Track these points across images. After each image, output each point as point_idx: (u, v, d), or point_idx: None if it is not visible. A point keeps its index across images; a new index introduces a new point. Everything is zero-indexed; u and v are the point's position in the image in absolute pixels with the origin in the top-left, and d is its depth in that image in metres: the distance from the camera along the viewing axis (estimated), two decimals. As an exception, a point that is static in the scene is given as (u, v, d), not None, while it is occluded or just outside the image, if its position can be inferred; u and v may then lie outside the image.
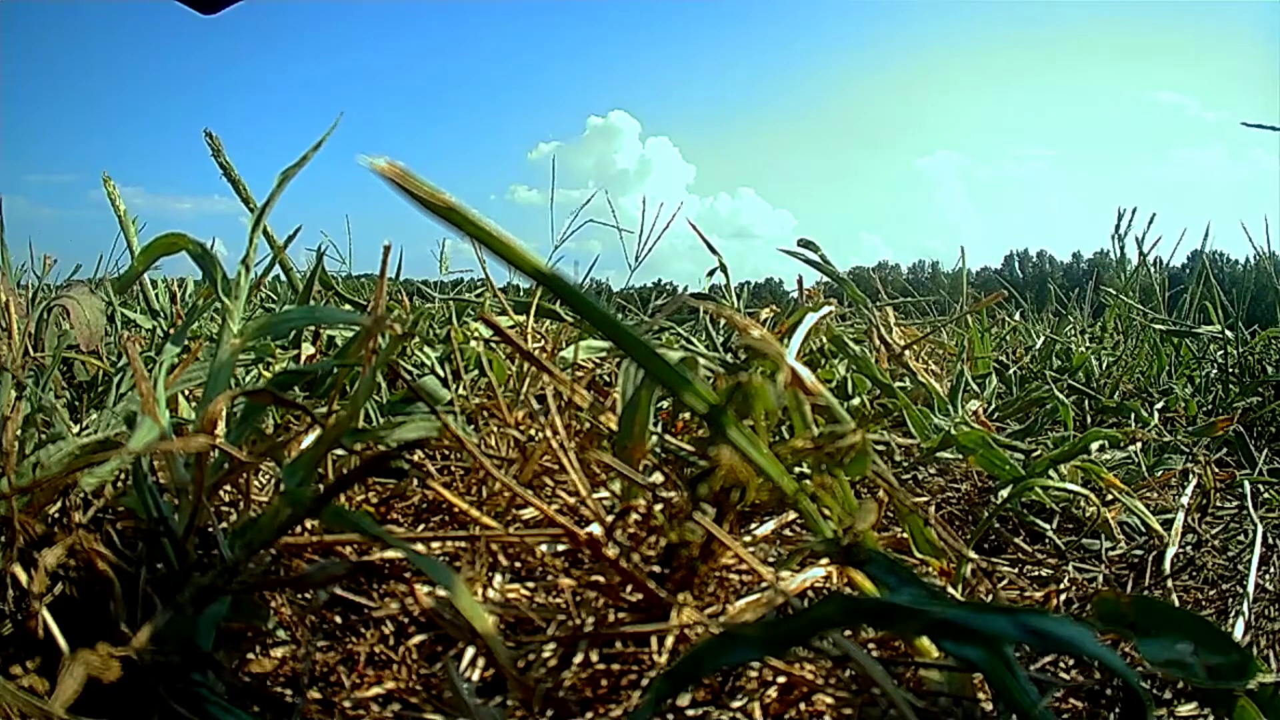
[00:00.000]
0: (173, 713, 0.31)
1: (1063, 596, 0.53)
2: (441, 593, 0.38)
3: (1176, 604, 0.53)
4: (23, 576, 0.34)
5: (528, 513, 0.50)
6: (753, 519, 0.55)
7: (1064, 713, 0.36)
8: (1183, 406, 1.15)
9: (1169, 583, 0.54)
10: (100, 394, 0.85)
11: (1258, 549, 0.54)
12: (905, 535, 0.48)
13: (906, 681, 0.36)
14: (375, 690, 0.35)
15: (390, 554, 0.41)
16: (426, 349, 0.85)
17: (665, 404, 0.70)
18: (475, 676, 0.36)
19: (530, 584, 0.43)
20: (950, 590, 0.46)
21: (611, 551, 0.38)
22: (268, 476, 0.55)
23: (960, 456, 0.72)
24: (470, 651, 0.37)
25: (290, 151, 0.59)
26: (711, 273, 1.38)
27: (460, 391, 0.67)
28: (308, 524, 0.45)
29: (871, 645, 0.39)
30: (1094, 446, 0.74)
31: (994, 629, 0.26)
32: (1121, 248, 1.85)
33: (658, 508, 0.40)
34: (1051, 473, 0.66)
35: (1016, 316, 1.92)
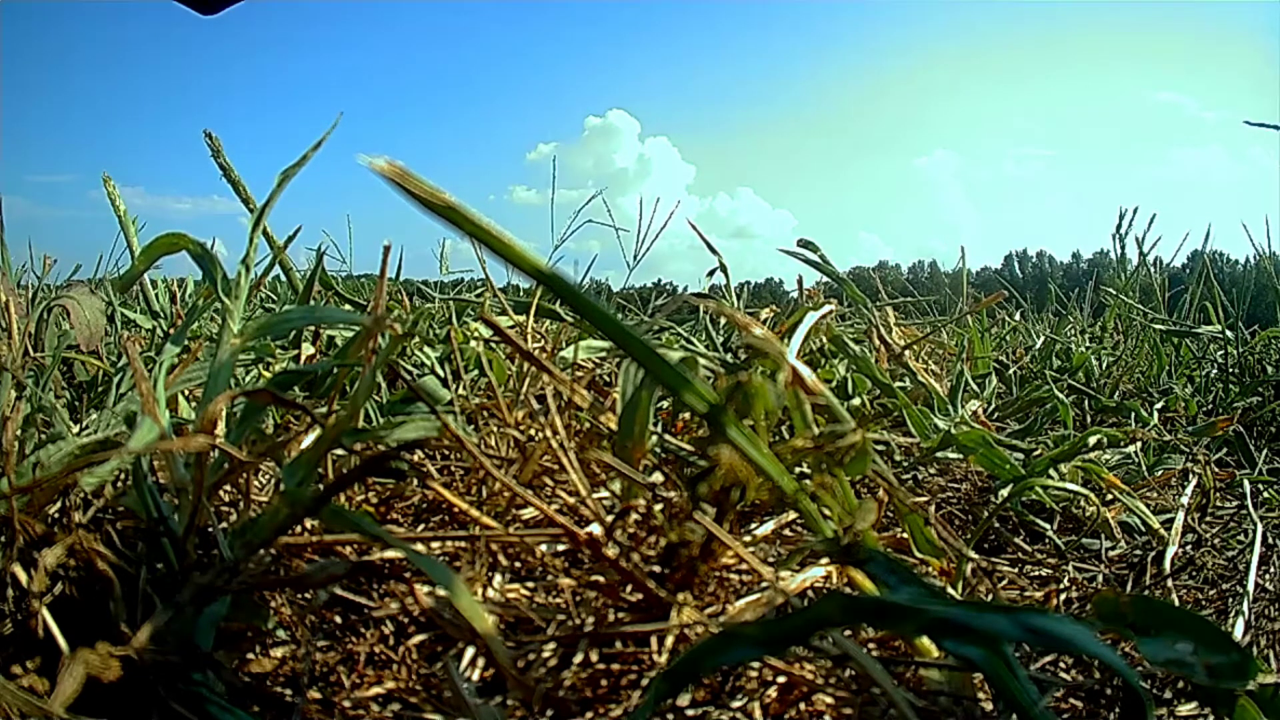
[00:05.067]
0: (173, 713, 0.31)
1: (1063, 596, 0.53)
2: (441, 593, 0.38)
3: (1176, 604, 0.53)
4: (23, 576, 0.34)
5: (528, 513, 0.50)
6: (753, 519, 0.55)
7: (1064, 712, 0.36)
8: (1183, 406, 1.15)
9: (1169, 582, 0.54)
10: (100, 394, 0.85)
11: (1257, 549, 0.54)
12: (905, 535, 0.48)
13: (906, 681, 0.36)
14: (375, 690, 0.35)
15: (390, 554, 0.41)
16: (426, 349, 0.85)
17: (665, 404, 0.70)
18: (475, 676, 0.36)
19: (530, 584, 0.43)
20: (950, 590, 0.46)
21: (611, 551, 0.38)
22: (268, 476, 0.55)
23: (960, 456, 0.72)
24: (470, 651, 0.37)
25: (290, 151, 0.59)
26: (711, 273, 1.38)
27: (460, 391, 0.67)
28: (308, 524, 0.45)
29: (871, 645, 0.39)
30: (1093, 445, 0.74)
31: (994, 628, 0.26)
32: (1122, 248, 1.85)
33: (658, 508, 0.40)
34: (1051, 472, 0.66)
35: (1016, 316, 1.92)
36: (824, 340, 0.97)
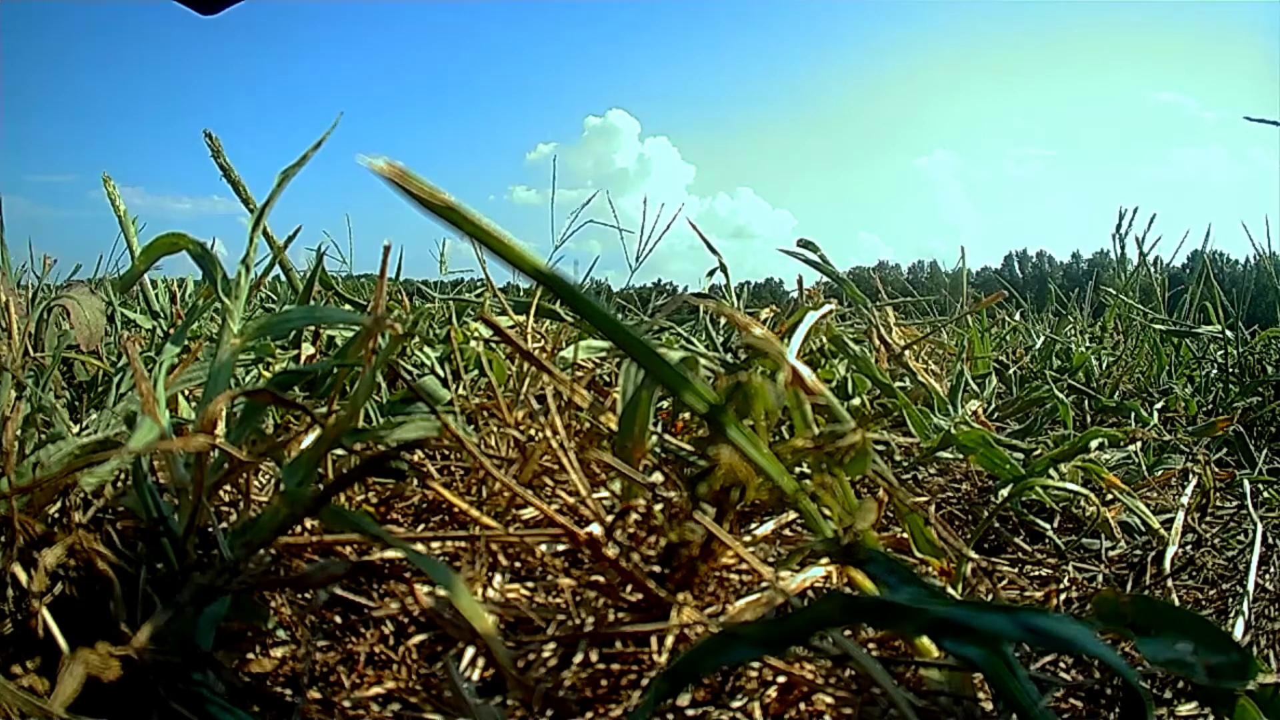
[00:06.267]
0: (173, 713, 0.31)
1: (1063, 596, 0.53)
2: (441, 593, 0.38)
3: (1176, 604, 0.53)
4: (23, 576, 0.34)
5: (528, 513, 0.50)
6: (753, 519, 0.55)
7: (1064, 712, 0.36)
8: (1183, 406, 1.15)
9: (1169, 582, 0.54)
10: (100, 394, 0.85)
11: (1257, 548, 0.54)
12: (905, 535, 0.48)
13: (906, 681, 0.36)
14: (375, 690, 0.35)
15: (390, 554, 0.41)
16: (426, 349, 0.85)
17: (665, 404, 0.70)
18: (475, 676, 0.36)
19: (530, 584, 0.43)
20: (950, 590, 0.46)
21: (611, 551, 0.38)
22: (268, 476, 0.55)
23: (960, 456, 0.72)
24: (470, 651, 0.37)
25: (290, 151, 0.59)
26: (711, 273, 1.38)
27: (460, 391, 0.67)
28: (308, 524, 0.45)
29: (871, 645, 0.39)
30: (1093, 446, 0.74)
31: (994, 628, 0.26)
32: (1122, 248, 1.85)
33: (658, 508, 0.40)
34: (1051, 472, 0.66)
35: (1016, 316, 1.92)
36: (824, 340, 0.97)
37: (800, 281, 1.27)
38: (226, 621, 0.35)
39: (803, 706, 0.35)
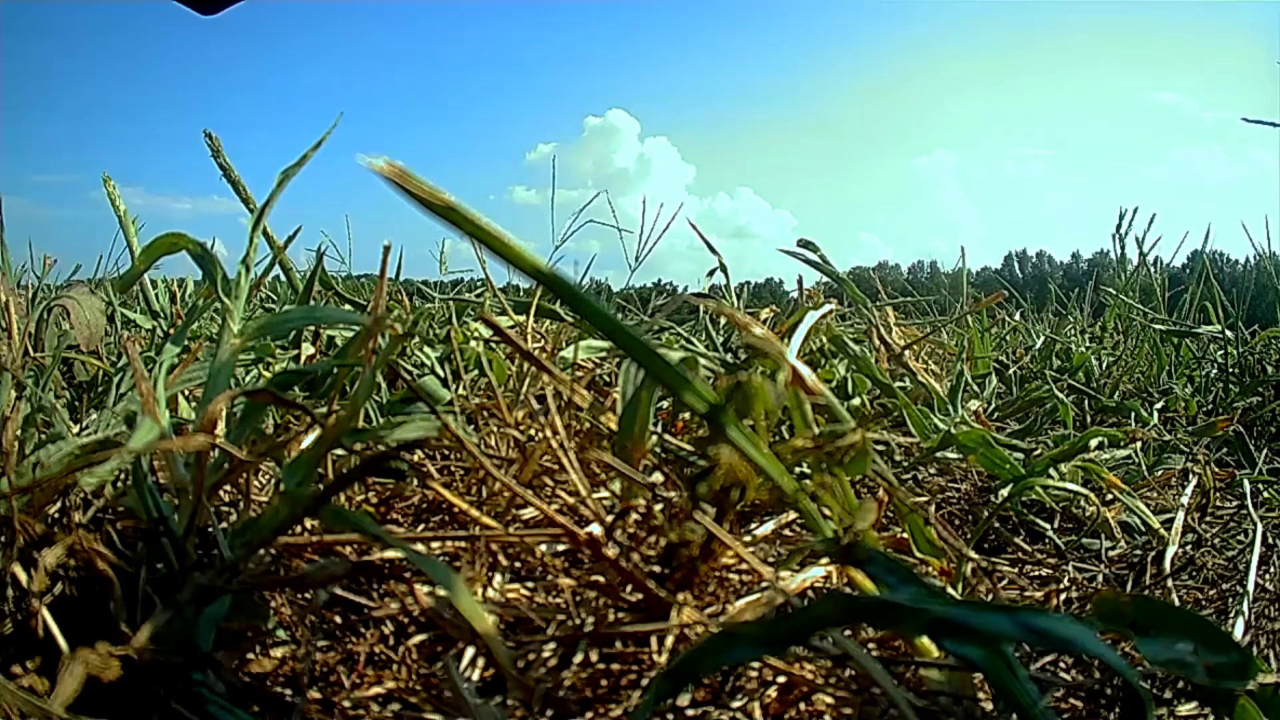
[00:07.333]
0: (173, 713, 0.31)
1: (1063, 596, 0.53)
2: (441, 593, 0.38)
3: (1176, 603, 0.53)
4: (23, 576, 0.34)
5: (528, 513, 0.50)
6: (753, 519, 0.55)
7: (1064, 712, 0.36)
8: (1183, 406, 1.15)
9: (1169, 582, 0.54)
10: (100, 394, 0.85)
11: (1257, 548, 0.54)
12: (905, 535, 0.48)
13: (906, 681, 0.36)
14: (375, 690, 0.35)
15: (390, 554, 0.41)
16: (426, 349, 0.85)
17: (665, 404, 0.70)
18: (475, 676, 0.36)
19: (530, 584, 0.43)
20: (950, 590, 0.46)
21: (611, 551, 0.38)
22: (268, 476, 0.55)
23: (960, 456, 0.72)
24: (470, 651, 0.37)
25: (290, 152, 0.59)
26: (711, 273, 1.38)
27: (460, 391, 0.67)
28: (308, 524, 0.45)
29: (871, 645, 0.39)
30: (1093, 446, 0.74)
31: (994, 628, 0.26)
32: (1122, 248, 1.85)
33: (658, 508, 0.40)
34: (1051, 472, 0.66)
35: (1016, 316, 1.92)
36: (824, 340, 0.97)
37: (800, 281, 1.27)
38: (226, 621, 0.35)
39: (803, 706, 0.35)
